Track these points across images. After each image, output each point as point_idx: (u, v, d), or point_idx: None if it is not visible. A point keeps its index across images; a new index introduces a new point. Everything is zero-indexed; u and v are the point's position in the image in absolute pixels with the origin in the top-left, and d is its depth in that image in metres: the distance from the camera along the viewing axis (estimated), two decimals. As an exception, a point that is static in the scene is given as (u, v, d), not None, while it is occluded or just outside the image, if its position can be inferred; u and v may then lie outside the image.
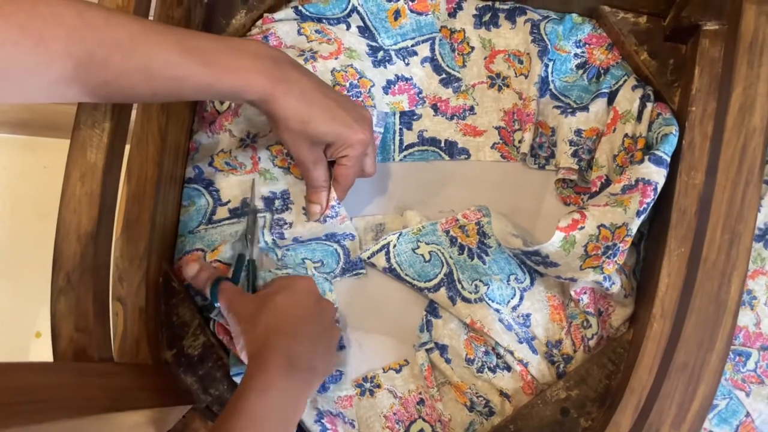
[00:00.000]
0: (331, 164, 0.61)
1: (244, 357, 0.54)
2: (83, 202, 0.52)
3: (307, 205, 0.63)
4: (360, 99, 0.65)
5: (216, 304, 0.59)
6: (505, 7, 0.69)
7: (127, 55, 0.47)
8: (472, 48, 0.70)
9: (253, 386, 0.49)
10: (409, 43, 0.69)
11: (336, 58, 0.65)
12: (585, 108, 0.66)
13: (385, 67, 0.68)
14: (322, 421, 0.60)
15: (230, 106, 0.68)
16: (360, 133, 0.57)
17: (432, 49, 0.69)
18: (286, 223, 0.66)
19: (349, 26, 0.69)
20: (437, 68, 0.69)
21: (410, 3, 0.68)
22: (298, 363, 0.52)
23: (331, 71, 0.65)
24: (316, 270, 0.66)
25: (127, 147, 0.61)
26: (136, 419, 0.48)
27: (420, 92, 0.69)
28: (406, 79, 0.68)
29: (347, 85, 0.65)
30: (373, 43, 0.69)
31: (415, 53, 0.69)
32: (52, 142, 1.52)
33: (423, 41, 0.69)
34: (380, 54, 0.68)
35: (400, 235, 0.65)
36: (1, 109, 1.39)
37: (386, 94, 0.67)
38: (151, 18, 0.62)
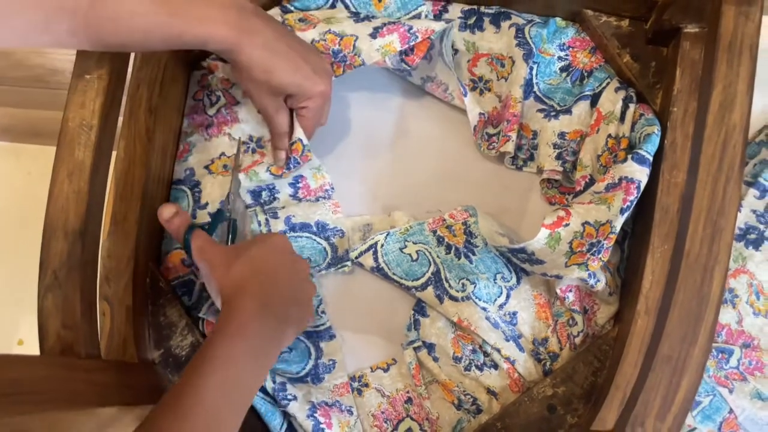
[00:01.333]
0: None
1: (218, 303, 0.55)
2: (71, 199, 0.52)
3: (272, 152, 0.64)
4: (347, 62, 0.65)
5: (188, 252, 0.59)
6: (490, 11, 0.70)
7: (95, 4, 0.48)
8: (456, 51, 0.71)
9: (226, 330, 0.49)
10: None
11: (315, 27, 0.64)
12: (568, 110, 0.67)
13: (369, 20, 0.65)
14: (315, 415, 0.60)
15: (220, 110, 0.68)
16: (320, 85, 0.59)
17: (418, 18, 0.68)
18: (278, 209, 0.66)
19: (333, 7, 0.68)
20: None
21: None
22: (271, 309, 0.52)
23: (311, 42, 0.64)
24: None
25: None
26: (117, 416, 0.48)
27: (411, 28, 0.64)
28: (394, 22, 0.65)
29: (330, 53, 0.64)
30: (354, 11, 0.68)
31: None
32: (35, 148, 1.51)
33: (410, 18, 0.68)
34: (362, 16, 0.66)
35: (387, 234, 0.66)
36: (-18, 116, 1.38)
37: (374, 38, 0.64)
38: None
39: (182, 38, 0.52)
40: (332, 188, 0.62)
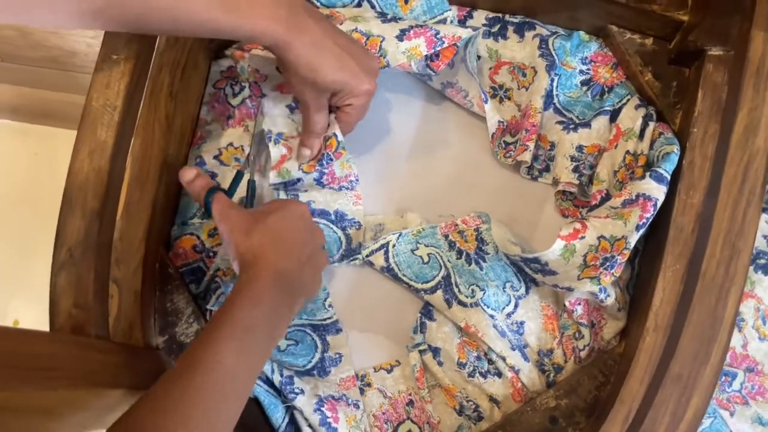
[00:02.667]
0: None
1: (236, 267, 0.55)
2: (90, 178, 0.52)
3: (299, 147, 0.65)
4: None
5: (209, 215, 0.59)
6: (515, 20, 0.70)
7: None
8: (479, 57, 0.71)
9: (244, 297, 0.51)
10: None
11: (341, 24, 0.64)
12: (587, 124, 0.67)
13: (396, 21, 0.65)
14: (322, 409, 0.60)
15: (244, 101, 0.68)
16: (366, 83, 0.59)
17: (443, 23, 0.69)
18: (300, 191, 0.67)
19: (360, 6, 0.69)
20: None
21: None
22: (287, 278, 0.53)
23: None
24: None
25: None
26: (124, 398, 0.48)
27: (437, 33, 0.64)
28: (421, 26, 0.65)
29: None
30: (381, 11, 0.68)
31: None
32: (44, 129, 1.50)
33: (435, 23, 0.68)
34: (389, 16, 0.66)
35: (399, 235, 0.66)
36: (-7, 93, 1.38)
37: (401, 41, 0.64)
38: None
39: (234, 32, 0.53)
40: (357, 179, 0.63)
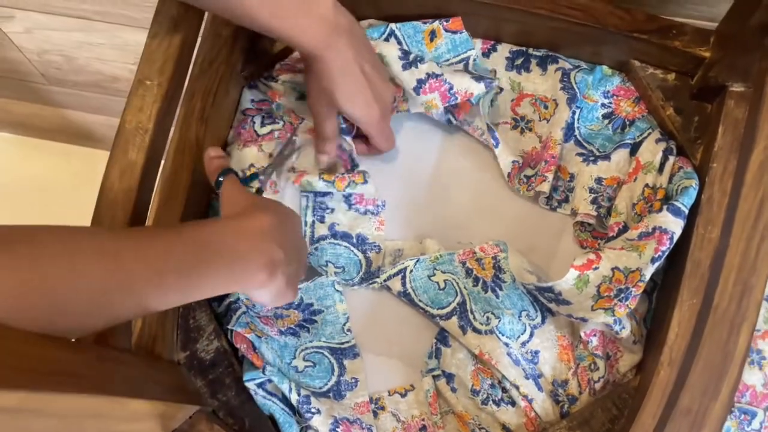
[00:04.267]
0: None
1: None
2: (120, 197, 0.55)
3: (316, 155, 0.69)
4: (395, 104, 0.69)
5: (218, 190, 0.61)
6: (538, 54, 0.72)
7: None
8: (501, 89, 0.73)
9: (196, 234, 0.50)
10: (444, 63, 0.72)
11: None
12: (607, 157, 0.68)
13: (416, 66, 0.68)
14: (337, 430, 0.61)
15: (272, 132, 0.70)
16: (375, 111, 0.64)
17: (466, 65, 0.71)
18: (327, 208, 0.69)
19: (387, 41, 0.71)
20: (467, 71, 0.71)
21: (445, 23, 0.70)
22: (253, 259, 0.51)
23: None
24: (336, 275, 0.68)
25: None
26: (145, 409, 0.49)
27: (451, 88, 0.68)
28: (437, 76, 0.68)
29: None
30: (406, 49, 0.70)
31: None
32: (85, 151, 1.56)
33: (458, 62, 0.71)
34: (411, 56, 0.69)
35: (417, 261, 0.67)
36: (39, 115, 1.44)
37: (417, 94, 0.68)
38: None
39: (276, 34, 0.59)
40: (383, 205, 0.66)
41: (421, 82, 0.68)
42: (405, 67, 0.68)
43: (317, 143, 0.68)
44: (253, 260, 0.51)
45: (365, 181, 0.67)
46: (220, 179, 0.61)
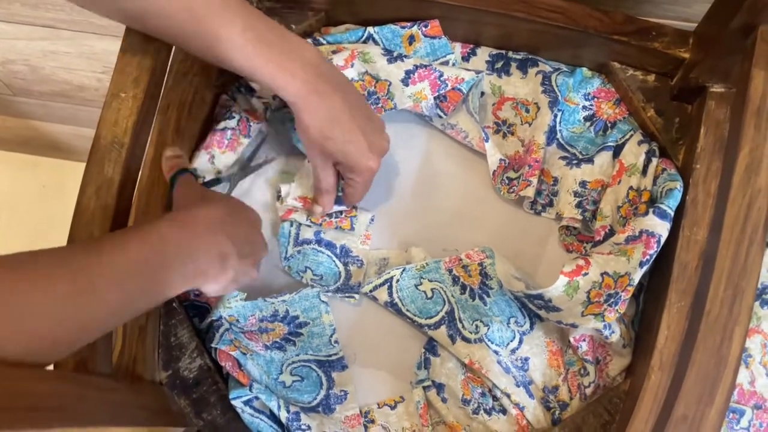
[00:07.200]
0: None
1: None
2: (97, 215, 0.53)
3: (312, 204, 0.66)
4: (379, 105, 0.67)
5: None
6: (518, 56, 0.71)
7: (195, 22, 0.52)
8: (482, 93, 0.72)
9: (153, 233, 0.48)
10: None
11: (352, 65, 0.66)
12: (590, 160, 0.68)
13: (402, 61, 0.67)
14: (328, 446, 0.60)
15: (226, 130, 0.67)
16: (370, 161, 0.60)
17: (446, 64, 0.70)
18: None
19: (365, 43, 0.70)
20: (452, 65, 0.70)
21: (424, 29, 0.69)
22: (205, 250, 0.51)
23: (350, 80, 0.66)
24: (312, 281, 0.67)
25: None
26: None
27: (441, 75, 0.66)
28: (425, 66, 0.66)
29: (365, 93, 0.67)
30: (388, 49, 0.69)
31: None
32: (52, 162, 1.52)
33: (440, 64, 0.69)
34: (395, 53, 0.68)
35: (403, 270, 0.66)
36: (4, 126, 1.40)
37: (406, 86, 0.66)
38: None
39: (258, 78, 0.55)
40: (372, 221, 0.65)
41: (409, 73, 0.66)
42: (390, 61, 0.67)
43: (315, 194, 0.66)
44: (203, 254, 0.50)
45: (352, 228, 0.67)
46: (174, 179, 0.59)
